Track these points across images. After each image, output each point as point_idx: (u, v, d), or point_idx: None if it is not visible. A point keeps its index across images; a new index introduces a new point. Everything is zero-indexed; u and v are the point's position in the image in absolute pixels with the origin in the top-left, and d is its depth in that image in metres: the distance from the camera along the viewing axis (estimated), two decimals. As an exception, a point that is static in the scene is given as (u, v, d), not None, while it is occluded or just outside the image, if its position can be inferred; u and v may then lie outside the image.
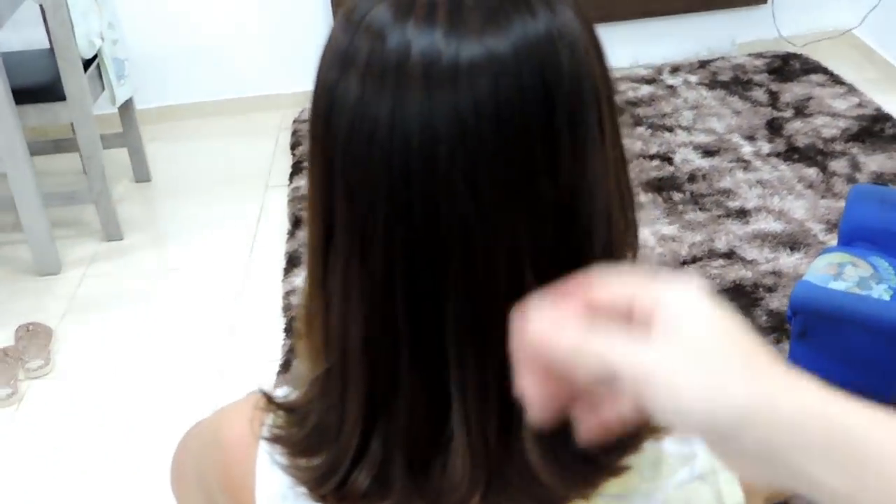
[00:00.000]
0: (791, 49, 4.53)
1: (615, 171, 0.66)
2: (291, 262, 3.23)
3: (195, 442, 0.83)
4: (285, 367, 2.75)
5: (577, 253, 0.64)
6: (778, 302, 2.87)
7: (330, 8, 4.23)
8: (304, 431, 0.69)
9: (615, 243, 0.66)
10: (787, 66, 4.40)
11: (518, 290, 0.62)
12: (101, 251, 3.46)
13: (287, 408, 0.72)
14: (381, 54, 0.60)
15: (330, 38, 0.65)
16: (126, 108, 3.72)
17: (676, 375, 0.52)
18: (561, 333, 0.56)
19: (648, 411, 0.53)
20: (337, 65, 0.62)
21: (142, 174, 3.89)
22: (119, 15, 3.87)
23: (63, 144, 3.83)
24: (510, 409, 0.62)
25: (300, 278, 3.13)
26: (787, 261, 3.06)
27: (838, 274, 2.59)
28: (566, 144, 0.62)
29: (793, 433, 0.50)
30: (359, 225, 0.62)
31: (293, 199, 3.62)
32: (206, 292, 3.20)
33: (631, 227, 0.68)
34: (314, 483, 0.68)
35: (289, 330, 2.90)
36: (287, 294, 3.08)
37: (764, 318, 2.82)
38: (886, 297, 2.50)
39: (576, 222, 0.63)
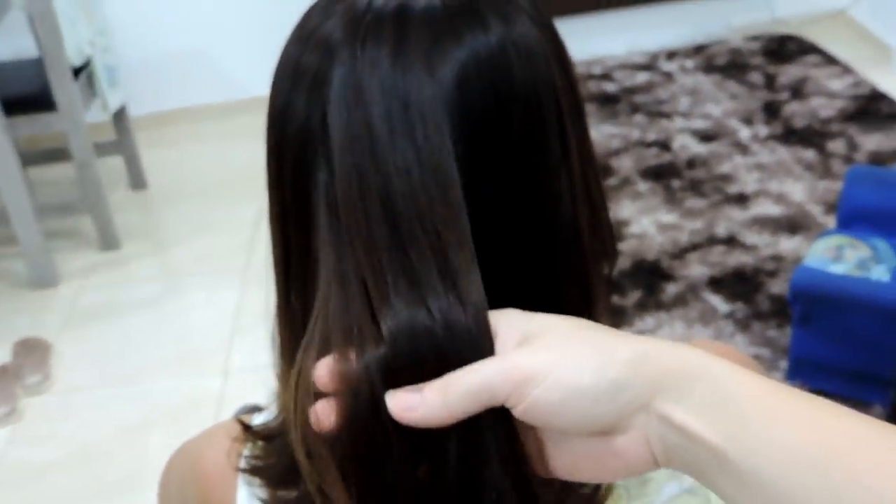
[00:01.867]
0: (786, 31, 4.50)
1: (582, 180, 0.64)
2: (289, 265, 3.21)
3: (177, 468, 0.81)
4: (286, 370, 2.73)
5: (540, 274, 0.62)
6: (779, 287, 2.85)
7: (320, 7, 4.21)
8: (283, 462, 0.67)
9: (583, 260, 0.64)
10: (782, 48, 4.37)
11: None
12: (99, 262, 3.44)
13: (264, 437, 0.70)
14: (327, 74, 0.58)
15: (281, 54, 0.63)
16: (120, 115, 3.71)
17: (570, 356, 0.51)
18: (429, 394, 0.52)
19: (544, 408, 0.51)
20: (286, 85, 0.61)
21: (138, 181, 3.87)
22: (109, 21, 3.86)
23: (56, 154, 3.81)
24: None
25: (298, 280, 3.11)
26: (788, 244, 3.04)
27: (838, 256, 2.57)
28: (523, 161, 0.60)
29: (679, 378, 0.50)
30: (312, 253, 0.60)
31: (289, 201, 3.59)
32: (206, 299, 3.19)
33: (602, 234, 0.67)
34: None
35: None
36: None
37: (766, 303, 2.80)
38: (886, 278, 2.48)
39: (538, 242, 0.61)
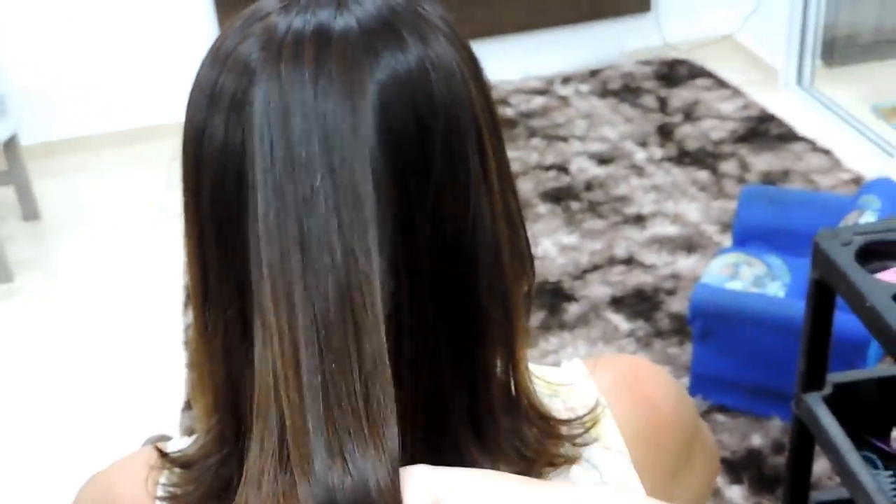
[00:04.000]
0: (676, 55, 4.63)
1: (502, 199, 0.64)
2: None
3: (91, 498, 0.78)
4: (189, 404, 2.69)
5: (460, 292, 0.62)
6: (679, 305, 2.91)
7: (214, 35, 4.17)
8: (201, 489, 0.66)
9: (503, 277, 0.64)
10: (673, 72, 4.49)
11: (397, 335, 0.59)
12: (-9, 294, 3.34)
13: (182, 464, 0.68)
14: (248, 95, 0.58)
15: (197, 74, 0.62)
16: (10, 144, 3.61)
17: None
18: None
19: None
20: (203, 104, 0.60)
21: (30, 212, 3.77)
22: (-3, 50, 3.76)
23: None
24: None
25: (200, 310, 3.06)
26: (685, 263, 3.12)
27: (734, 274, 2.64)
28: (443, 180, 0.59)
29: None
30: (234, 279, 0.60)
31: (189, 230, 3.54)
32: (102, 331, 3.11)
33: (522, 255, 0.67)
34: None
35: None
36: (187, 328, 3.01)
37: (666, 321, 2.86)
38: (781, 294, 2.56)
39: (459, 260, 0.61)
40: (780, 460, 2.35)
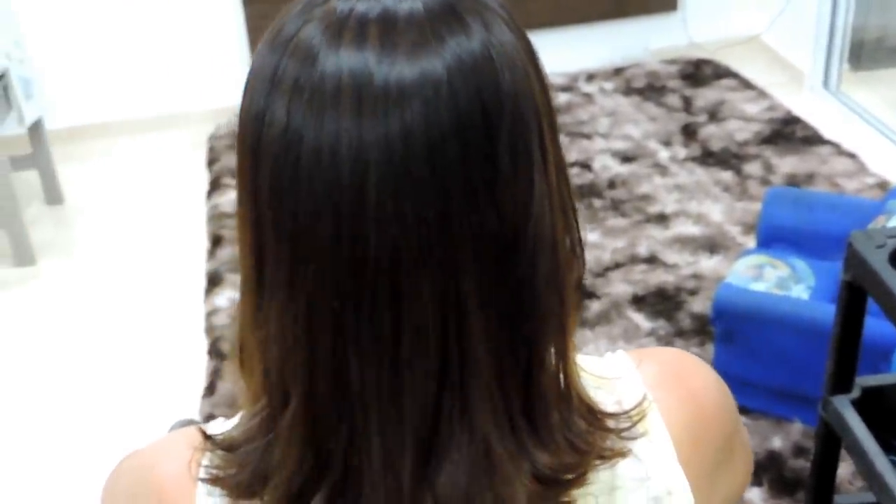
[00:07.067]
0: (702, 55, 4.61)
1: (559, 192, 0.64)
2: (212, 282, 3.17)
3: (127, 478, 0.78)
4: (210, 390, 2.69)
5: (520, 284, 0.61)
6: (700, 305, 2.90)
7: (243, 24, 4.18)
8: (244, 473, 0.66)
9: (560, 269, 0.64)
10: (699, 72, 4.47)
11: (459, 329, 0.60)
12: (13, 277, 3.35)
13: (225, 446, 0.68)
14: (309, 77, 0.58)
15: (255, 61, 0.62)
16: (35, 128, 3.62)
17: None
18: None
19: None
20: (263, 90, 0.60)
21: (54, 196, 3.78)
22: (24, 34, 3.77)
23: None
24: (427, 453, 0.62)
25: (221, 298, 3.07)
26: (707, 264, 3.10)
27: (758, 275, 2.63)
28: (508, 171, 0.59)
29: None
30: (289, 262, 0.60)
31: (212, 217, 3.55)
32: (124, 315, 3.12)
33: (575, 245, 0.67)
34: None
35: (212, 352, 2.84)
36: (209, 315, 3.02)
37: (687, 321, 2.85)
38: (805, 297, 2.54)
39: (520, 252, 0.61)
40: (801, 463, 2.34)
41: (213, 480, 0.68)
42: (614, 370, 0.75)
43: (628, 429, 0.69)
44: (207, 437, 0.69)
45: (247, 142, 0.61)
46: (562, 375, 0.66)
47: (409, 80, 0.57)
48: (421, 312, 0.59)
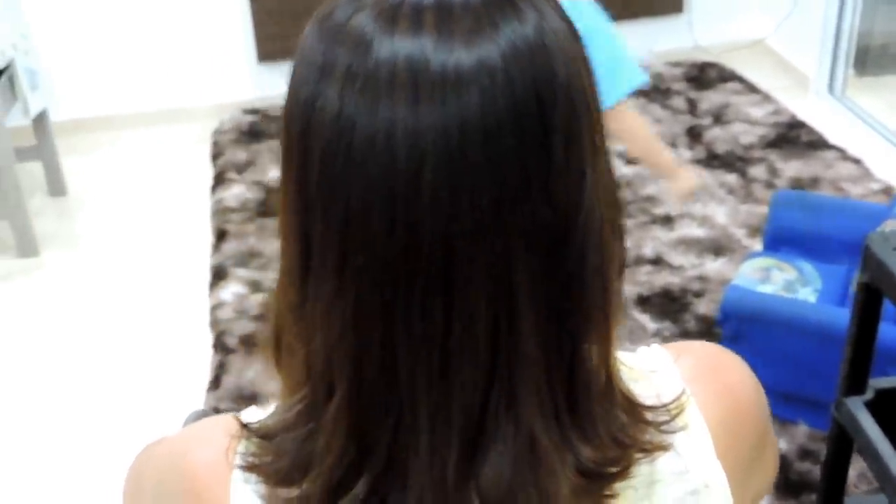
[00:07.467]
0: (707, 58, 4.61)
1: (606, 183, 0.63)
2: (217, 276, 3.17)
3: (156, 465, 0.78)
4: (214, 383, 2.69)
5: (569, 277, 0.61)
6: (705, 307, 2.90)
7: (250, 20, 4.17)
8: (282, 461, 0.65)
9: (606, 262, 0.64)
10: (703, 75, 4.47)
11: (510, 321, 0.60)
12: (16, 268, 3.34)
13: (262, 435, 0.68)
14: (365, 65, 0.57)
15: (303, 48, 0.61)
16: (40, 120, 3.61)
17: None
18: None
19: None
20: (313, 77, 0.59)
21: (57, 188, 3.77)
22: (30, 25, 3.76)
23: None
24: (473, 446, 0.61)
25: (226, 292, 3.07)
26: (713, 266, 3.11)
27: (765, 278, 2.63)
28: (561, 161, 0.59)
29: None
30: (339, 250, 0.59)
31: (217, 212, 3.55)
32: (128, 308, 3.11)
33: (620, 236, 0.67)
34: None
35: (217, 346, 2.84)
36: (213, 308, 3.01)
37: (692, 322, 2.85)
38: (812, 300, 2.54)
39: (569, 245, 0.61)
40: (806, 466, 2.34)
41: (251, 468, 0.67)
42: (650, 363, 0.75)
43: (666, 422, 0.69)
44: (245, 424, 0.69)
45: (295, 128, 0.61)
46: (604, 369, 0.66)
47: (467, 67, 0.56)
48: (472, 303, 0.59)
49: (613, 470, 0.65)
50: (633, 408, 0.67)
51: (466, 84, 0.56)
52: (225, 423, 0.72)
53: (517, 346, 0.60)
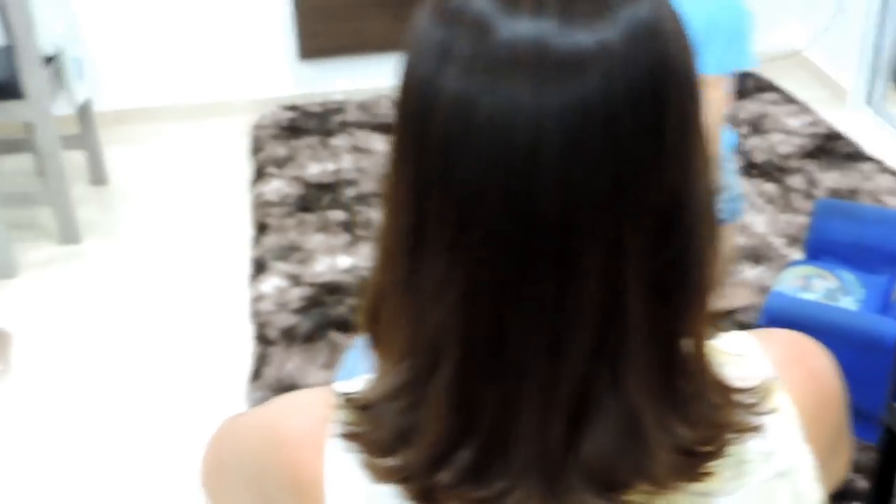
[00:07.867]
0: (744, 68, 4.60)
1: (706, 168, 0.65)
2: (258, 269, 3.19)
3: (244, 438, 0.79)
4: (255, 375, 2.71)
5: (675, 258, 0.63)
6: (744, 314, 2.90)
7: (292, 15, 4.20)
8: (381, 431, 0.67)
9: (707, 244, 0.65)
10: (741, 85, 4.47)
11: (618, 299, 0.61)
12: (58, 255, 3.37)
13: (361, 406, 0.69)
14: (486, 47, 0.58)
15: (419, 32, 0.63)
16: (84, 109, 3.64)
17: None
18: None
19: None
20: (432, 60, 0.61)
21: (99, 177, 3.81)
22: (77, 15, 3.80)
23: (14, 145, 3.74)
24: (577, 420, 0.63)
25: (267, 285, 3.09)
26: (752, 273, 3.11)
27: (806, 286, 2.63)
28: (674, 144, 0.60)
29: None
30: (455, 225, 0.61)
31: (257, 206, 3.57)
32: (166, 298, 3.14)
33: (715, 217, 0.68)
34: (399, 482, 0.66)
35: (258, 337, 2.86)
36: (254, 300, 3.03)
37: (732, 329, 2.85)
38: (854, 309, 2.54)
39: (676, 228, 0.62)
40: (848, 475, 2.33)
41: (350, 436, 0.68)
42: (737, 348, 0.76)
43: (755, 405, 0.70)
44: (344, 394, 0.70)
45: (412, 109, 0.62)
46: (697, 350, 0.67)
47: (588, 49, 0.58)
48: (583, 282, 0.60)
49: (708, 449, 0.66)
50: (724, 389, 0.69)
51: (587, 66, 0.57)
52: (315, 395, 0.74)
53: (624, 323, 0.62)
